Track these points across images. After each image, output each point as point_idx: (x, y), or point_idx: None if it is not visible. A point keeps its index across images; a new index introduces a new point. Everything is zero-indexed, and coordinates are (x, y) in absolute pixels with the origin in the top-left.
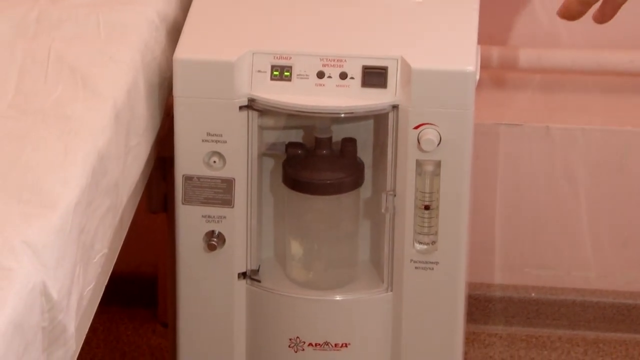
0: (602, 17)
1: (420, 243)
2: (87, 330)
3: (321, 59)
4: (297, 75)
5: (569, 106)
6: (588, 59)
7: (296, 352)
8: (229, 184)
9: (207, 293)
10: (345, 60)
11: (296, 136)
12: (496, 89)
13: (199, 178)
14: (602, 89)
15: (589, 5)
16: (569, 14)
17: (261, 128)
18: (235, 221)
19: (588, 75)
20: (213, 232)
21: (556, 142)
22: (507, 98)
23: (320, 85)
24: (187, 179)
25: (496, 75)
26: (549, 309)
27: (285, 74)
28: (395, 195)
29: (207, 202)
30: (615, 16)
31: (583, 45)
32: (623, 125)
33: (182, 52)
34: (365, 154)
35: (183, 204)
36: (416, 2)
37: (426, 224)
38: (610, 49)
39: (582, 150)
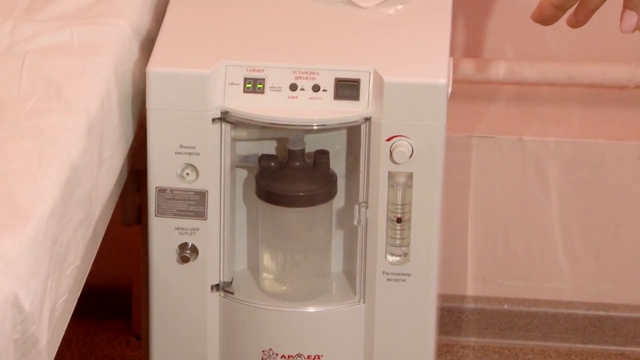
0: (576, 22)
1: (392, 255)
2: (59, 342)
3: (294, 72)
4: (270, 87)
5: (541, 118)
6: (560, 71)
7: None
8: (202, 196)
9: (180, 305)
10: (317, 73)
11: (269, 147)
12: (469, 101)
13: (172, 190)
14: (574, 101)
15: (563, 10)
16: (543, 18)
17: (234, 140)
18: (208, 233)
19: (560, 87)
20: (186, 244)
21: (529, 154)
22: (480, 110)
23: (293, 97)
24: (160, 191)
25: (469, 87)
26: (521, 320)
27: (258, 86)
28: (367, 207)
29: (180, 214)
30: (588, 29)
31: (555, 57)
32: (595, 137)
33: (156, 64)
34: (337, 164)
35: (156, 216)
36: (388, 14)
37: (398, 236)
38: (582, 62)
39: (554, 162)
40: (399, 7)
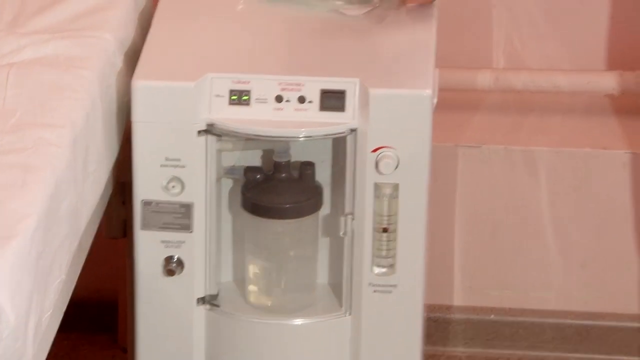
0: None
1: (378, 266)
2: (45, 356)
3: (279, 83)
4: (256, 99)
5: (527, 127)
6: (546, 80)
7: None
8: (187, 208)
9: (166, 318)
10: (303, 84)
11: (255, 158)
12: (455, 110)
13: (157, 203)
14: (560, 109)
15: None
16: None
17: (219, 151)
18: (194, 246)
19: (546, 96)
20: (172, 257)
21: (515, 163)
22: (466, 120)
23: (279, 109)
24: (146, 204)
25: (455, 96)
26: (508, 330)
27: (244, 98)
28: (353, 219)
29: (165, 227)
30: (573, 38)
31: (540, 66)
32: (581, 145)
33: (141, 77)
34: (323, 175)
35: (142, 229)
36: (373, 25)
37: (384, 247)
38: (567, 70)
39: (541, 171)
40: (385, 17)
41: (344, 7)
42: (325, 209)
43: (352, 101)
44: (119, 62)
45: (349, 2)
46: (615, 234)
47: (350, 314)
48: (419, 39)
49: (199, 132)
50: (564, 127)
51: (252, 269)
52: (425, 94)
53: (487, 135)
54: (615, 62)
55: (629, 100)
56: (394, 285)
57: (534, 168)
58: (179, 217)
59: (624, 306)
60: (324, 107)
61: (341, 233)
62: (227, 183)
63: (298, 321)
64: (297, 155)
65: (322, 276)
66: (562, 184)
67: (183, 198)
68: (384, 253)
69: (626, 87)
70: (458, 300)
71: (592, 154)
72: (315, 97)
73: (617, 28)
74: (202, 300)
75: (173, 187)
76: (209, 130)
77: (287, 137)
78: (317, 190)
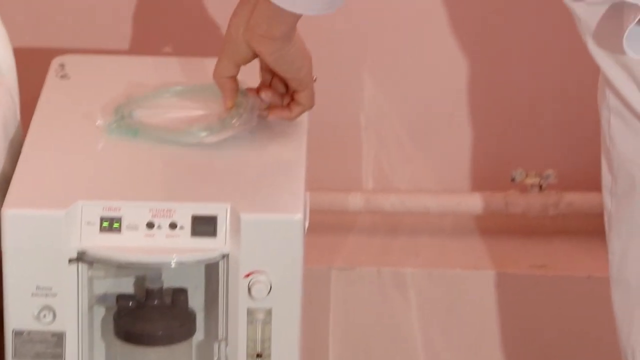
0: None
1: None
2: None
3: (150, 210)
4: (127, 226)
5: (399, 248)
6: (416, 201)
7: None
8: (59, 337)
9: None
10: (174, 210)
11: (127, 285)
12: (327, 233)
13: (29, 332)
14: (428, 230)
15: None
16: (230, 96)
17: (92, 279)
18: None
19: (415, 217)
20: None
21: (386, 285)
22: (339, 242)
23: (150, 235)
24: (17, 334)
25: (326, 219)
26: None
27: (115, 225)
28: (227, 344)
29: (37, 357)
30: (439, 160)
31: (409, 188)
32: (451, 266)
33: (11, 205)
34: (197, 300)
35: (13, 359)
36: (243, 149)
37: None
38: (435, 192)
39: (413, 292)
40: (254, 141)
41: (207, 137)
42: (198, 335)
43: (223, 226)
44: None
45: (212, 131)
46: (486, 354)
47: None
48: (289, 161)
49: (70, 260)
50: (434, 248)
51: None
52: (296, 218)
53: (360, 257)
54: (480, 183)
55: (497, 221)
56: None
57: (405, 289)
58: (51, 347)
59: None
60: (195, 232)
61: (214, 359)
62: (100, 311)
63: None
64: (169, 281)
65: None
66: (433, 304)
67: (55, 327)
68: None
69: (495, 208)
70: None
71: (462, 274)
72: (186, 222)
73: (482, 150)
74: None
75: (44, 316)
76: (80, 258)
77: (158, 264)
78: (190, 317)
